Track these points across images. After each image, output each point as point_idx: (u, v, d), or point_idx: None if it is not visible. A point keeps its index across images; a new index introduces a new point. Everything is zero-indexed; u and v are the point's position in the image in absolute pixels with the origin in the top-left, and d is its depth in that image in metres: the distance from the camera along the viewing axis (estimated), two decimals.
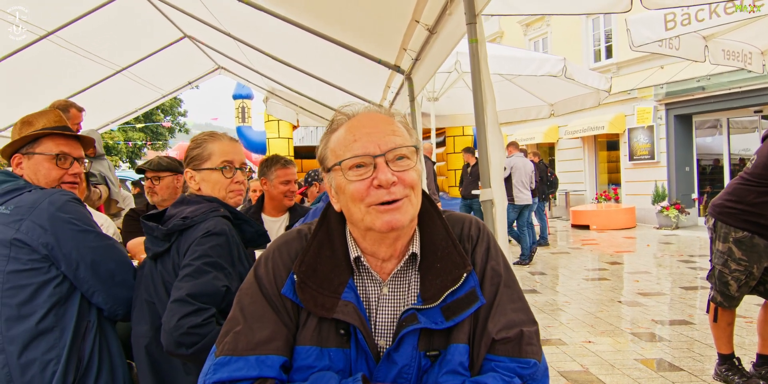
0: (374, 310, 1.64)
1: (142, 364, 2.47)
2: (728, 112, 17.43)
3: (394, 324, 1.62)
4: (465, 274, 1.60)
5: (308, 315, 1.60)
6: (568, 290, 9.16)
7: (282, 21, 5.09)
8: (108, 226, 3.92)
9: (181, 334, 2.12)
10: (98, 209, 5.19)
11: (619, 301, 8.30)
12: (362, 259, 1.65)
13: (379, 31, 4.66)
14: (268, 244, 1.78)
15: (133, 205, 6.06)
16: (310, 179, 5.60)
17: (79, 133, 2.93)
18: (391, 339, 1.61)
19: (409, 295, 1.64)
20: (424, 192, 1.73)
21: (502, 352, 1.56)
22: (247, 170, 2.79)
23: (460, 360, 1.55)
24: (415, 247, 1.66)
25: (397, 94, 6.20)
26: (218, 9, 6.06)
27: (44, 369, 2.38)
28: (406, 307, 1.61)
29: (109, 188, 5.51)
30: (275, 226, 4.58)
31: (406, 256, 1.65)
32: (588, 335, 6.54)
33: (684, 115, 18.31)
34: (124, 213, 5.03)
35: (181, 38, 8.33)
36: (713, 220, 4.73)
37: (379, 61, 5.14)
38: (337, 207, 1.68)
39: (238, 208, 2.77)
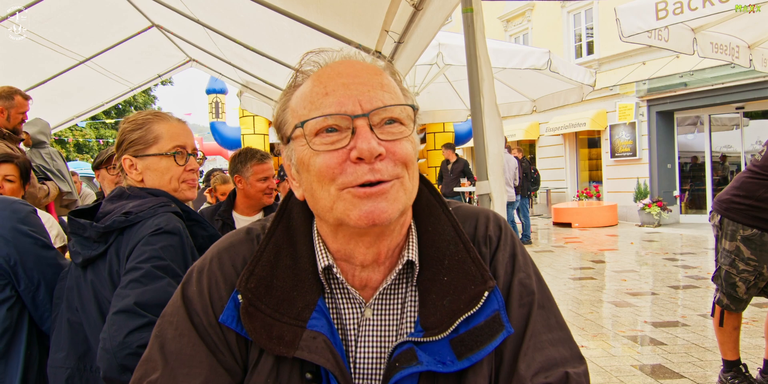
0: (353, 343, 1.19)
1: None
2: (710, 109, 17.35)
3: (382, 362, 1.17)
4: (486, 293, 1.14)
5: (261, 352, 1.14)
6: (555, 290, 8.83)
7: (254, 3, 4.69)
8: (51, 225, 3.49)
9: (128, 355, 1.66)
10: (47, 208, 4.71)
11: (609, 302, 7.99)
12: (334, 269, 1.18)
13: (358, 12, 4.26)
14: (206, 252, 1.29)
15: None
16: (282, 173, 5.22)
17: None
18: (379, 383, 1.16)
19: (404, 321, 1.19)
20: (423, 177, 1.25)
21: None
22: (200, 157, 2.32)
23: None
24: (412, 253, 1.20)
25: None
26: None
27: None
28: (398, 339, 1.16)
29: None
30: None
31: (399, 266, 1.19)
32: (580, 339, 6.18)
33: (666, 112, 18.16)
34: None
35: (149, 27, 7.89)
36: (719, 216, 4.39)
37: (359, 47, 4.75)
38: (298, 193, 1.21)
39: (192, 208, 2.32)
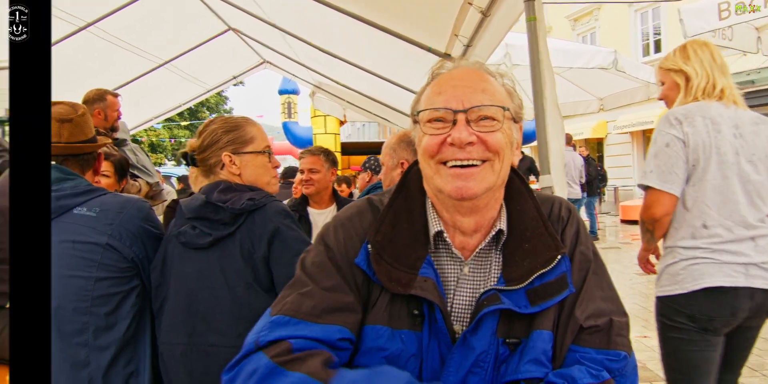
0: (452, 291, 1.48)
1: (178, 375, 2.27)
2: None
3: (472, 307, 1.46)
4: (558, 256, 1.44)
5: (381, 292, 1.45)
6: (620, 285, 8.86)
7: (330, 9, 4.98)
8: None
9: None
10: None
11: None
12: (445, 234, 1.48)
13: (429, 17, 4.51)
14: (336, 215, 1.61)
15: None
16: (367, 166, 5.29)
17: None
18: (467, 323, 1.45)
19: (490, 277, 1.49)
20: (515, 170, 1.58)
21: (590, 342, 1.41)
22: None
23: (543, 348, 1.39)
24: (503, 224, 1.51)
25: None
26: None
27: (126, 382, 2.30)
28: (486, 289, 1.45)
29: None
30: (321, 218, 4.42)
31: (492, 233, 1.50)
32: (643, 330, 6.34)
33: None
34: (165, 204, 4.93)
35: (226, 31, 8.24)
36: None
37: (429, 49, 4.99)
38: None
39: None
